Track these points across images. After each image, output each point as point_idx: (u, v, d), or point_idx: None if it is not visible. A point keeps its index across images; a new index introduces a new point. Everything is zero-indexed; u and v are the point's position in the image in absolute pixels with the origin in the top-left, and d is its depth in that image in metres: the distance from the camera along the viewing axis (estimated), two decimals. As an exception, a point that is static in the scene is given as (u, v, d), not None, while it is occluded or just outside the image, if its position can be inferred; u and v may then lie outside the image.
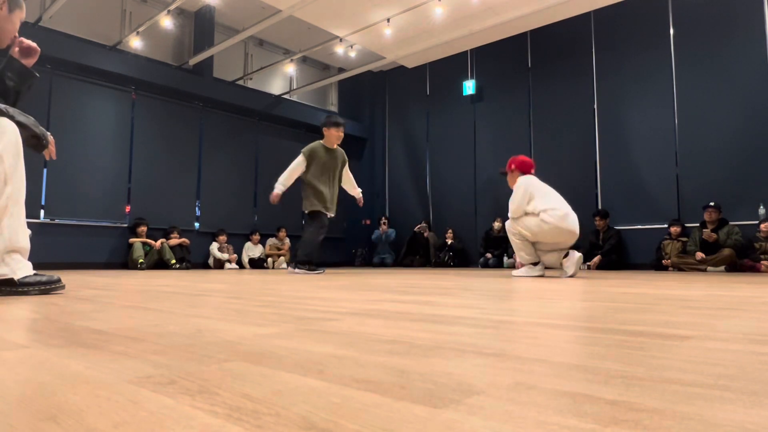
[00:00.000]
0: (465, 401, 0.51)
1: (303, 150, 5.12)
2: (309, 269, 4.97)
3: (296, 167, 5.07)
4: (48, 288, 2.00)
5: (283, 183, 5.08)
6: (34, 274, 1.98)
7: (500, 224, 8.30)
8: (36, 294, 1.95)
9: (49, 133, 2.15)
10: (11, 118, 1.97)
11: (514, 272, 4.52)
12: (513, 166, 4.54)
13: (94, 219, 7.13)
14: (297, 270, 4.99)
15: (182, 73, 8.09)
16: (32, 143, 2.07)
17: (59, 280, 2.06)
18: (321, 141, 5.18)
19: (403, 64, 10.04)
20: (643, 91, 7.34)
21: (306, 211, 5.11)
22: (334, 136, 5.14)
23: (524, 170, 4.51)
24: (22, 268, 1.94)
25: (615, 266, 7.04)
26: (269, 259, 8.55)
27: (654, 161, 7.18)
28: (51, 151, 2.17)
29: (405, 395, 0.54)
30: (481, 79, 9.18)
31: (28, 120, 2.05)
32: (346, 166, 5.34)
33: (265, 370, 0.66)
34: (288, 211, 9.51)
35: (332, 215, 5.19)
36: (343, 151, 5.30)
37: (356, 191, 5.44)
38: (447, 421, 0.45)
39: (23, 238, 1.96)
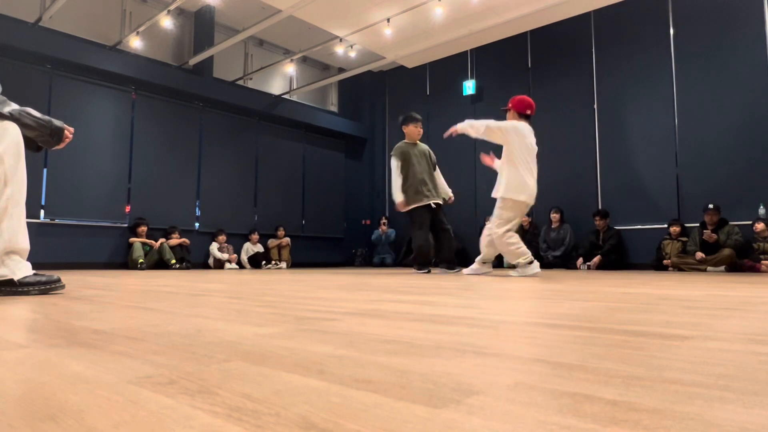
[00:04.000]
0: (465, 401, 0.51)
1: (393, 152, 5.19)
2: (419, 268, 5.10)
3: (397, 169, 5.08)
4: (48, 288, 2.01)
5: (399, 189, 5.04)
6: (34, 274, 1.98)
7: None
8: (36, 294, 1.95)
9: (66, 127, 2.16)
10: (24, 121, 1.99)
11: (465, 270, 4.61)
12: (510, 105, 4.36)
13: (94, 219, 7.13)
14: (421, 271, 5.12)
15: (182, 73, 8.09)
16: (45, 140, 2.09)
17: (59, 280, 2.06)
18: (404, 140, 5.27)
19: (403, 64, 10.04)
20: (643, 91, 7.34)
21: (404, 210, 5.11)
22: (414, 132, 5.21)
23: (520, 110, 4.29)
24: (21, 269, 1.94)
25: (615, 266, 7.04)
26: (271, 263, 8.54)
27: (654, 161, 7.17)
28: (66, 138, 2.18)
29: (405, 395, 0.54)
30: (481, 79, 9.18)
31: (43, 118, 2.06)
32: (434, 160, 5.36)
33: (265, 370, 0.66)
34: (287, 210, 9.53)
35: (439, 201, 5.13)
36: (426, 145, 5.36)
37: (447, 192, 5.35)
38: (447, 421, 0.45)
39: (23, 239, 1.97)
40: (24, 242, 1.97)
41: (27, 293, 1.93)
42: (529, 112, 4.34)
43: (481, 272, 4.57)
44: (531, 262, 4.21)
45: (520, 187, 4.19)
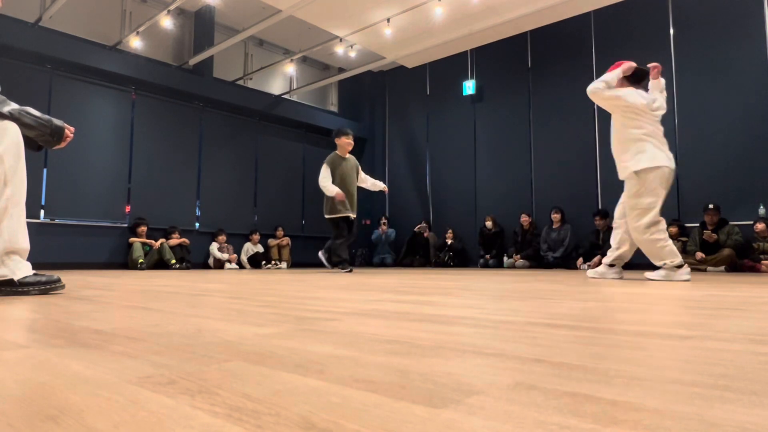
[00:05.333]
0: (465, 401, 0.51)
1: (325, 161, 5.59)
2: (342, 268, 5.54)
3: (327, 176, 5.50)
4: (48, 288, 2.00)
5: (331, 186, 5.43)
6: (34, 274, 1.98)
7: (492, 222, 8.35)
8: (36, 294, 1.95)
9: (66, 126, 2.15)
10: (24, 121, 1.99)
11: (589, 272, 3.87)
12: (617, 68, 3.72)
13: (94, 219, 7.13)
14: (332, 269, 5.63)
15: (182, 73, 8.09)
16: (46, 140, 2.08)
17: (59, 280, 2.06)
18: (335, 152, 5.65)
19: (403, 64, 10.04)
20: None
21: (326, 217, 5.57)
22: (345, 143, 5.60)
23: (627, 75, 3.69)
24: (21, 269, 1.94)
25: (615, 266, 7.03)
26: (271, 263, 8.53)
27: (654, 161, 7.16)
28: (66, 139, 2.17)
29: (405, 395, 0.54)
30: (481, 79, 9.18)
31: (43, 117, 2.06)
32: (360, 171, 5.85)
33: (265, 370, 0.66)
34: (287, 210, 9.53)
35: (354, 216, 5.63)
36: (354, 158, 5.82)
37: (379, 185, 5.93)
38: (447, 421, 0.45)
39: (23, 239, 1.97)
40: (24, 242, 1.97)
41: (27, 293, 1.93)
42: (644, 83, 3.77)
43: (609, 276, 3.79)
44: (681, 266, 3.43)
45: (657, 156, 3.43)
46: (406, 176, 10.24)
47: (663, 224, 3.48)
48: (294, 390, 0.56)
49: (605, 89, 3.63)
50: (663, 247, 3.43)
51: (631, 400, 0.52)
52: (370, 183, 5.92)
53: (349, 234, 5.56)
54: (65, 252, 6.82)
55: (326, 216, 5.53)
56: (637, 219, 3.48)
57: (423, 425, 0.44)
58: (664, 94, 3.79)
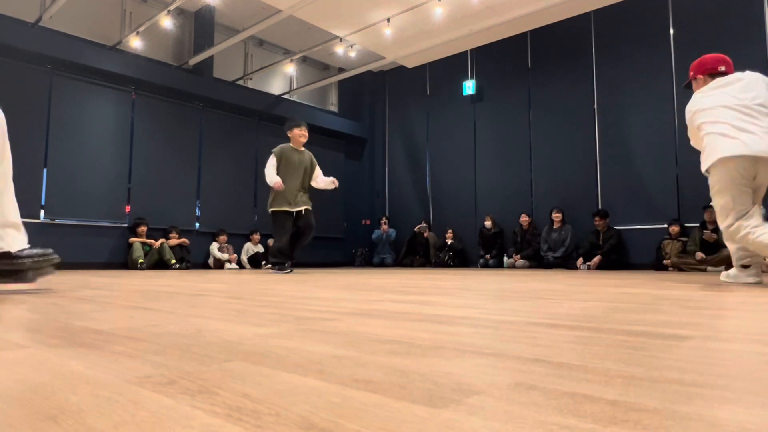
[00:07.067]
0: (465, 401, 0.51)
1: (273, 150, 5.38)
2: (279, 269, 5.19)
3: (272, 164, 5.28)
4: (43, 260, 2.07)
5: (273, 175, 5.22)
6: (29, 248, 2.05)
7: (491, 222, 8.36)
8: (32, 266, 2.01)
9: None
10: None
11: (723, 276, 3.33)
12: (692, 73, 3.33)
13: (94, 219, 7.13)
14: (270, 270, 5.33)
15: (182, 73, 8.09)
16: None
17: (53, 252, 2.14)
18: (289, 143, 5.47)
19: (403, 64, 10.04)
20: (643, 91, 7.34)
21: (269, 211, 5.30)
22: (297, 135, 5.39)
23: (705, 72, 3.24)
24: (17, 242, 2.03)
25: (615, 266, 7.04)
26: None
27: (654, 161, 7.17)
28: None
29: (405, 395, 0.54)
30: (481, 79, 9.18)
31: None
32: (317, 169, 5.55)
33: (265, 370, 0.66)
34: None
35: (299, 209, 5.27)
36: (311, 154, 5.57)
37: (328, 180, 5.50)
38: (447, 421, 0.45)
39: (14, 213, 2.06)
40: (17, 217, 2.07)
41: (23, 265, 1.99)
42: (721, 69, 3.22)
43: (743, 280, 3.14)
44: (748, 266, 3.10)
45: (716, 147, 3.01)
46: (406, 176, 10.24)
47: (746, 227, 3.00)
48: (294, 390, 0.56)
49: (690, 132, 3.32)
50: (756, 238, 2.94)
51: (631, 400, 0.52)
52: (321, 181, 5.50)
53: (299, 232, 5.25)
54: (65, 252, 6.82)
55: (268, 209, 5.28)
56: (721, 222, 3.16)
57: (423, 425, 0.44)
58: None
